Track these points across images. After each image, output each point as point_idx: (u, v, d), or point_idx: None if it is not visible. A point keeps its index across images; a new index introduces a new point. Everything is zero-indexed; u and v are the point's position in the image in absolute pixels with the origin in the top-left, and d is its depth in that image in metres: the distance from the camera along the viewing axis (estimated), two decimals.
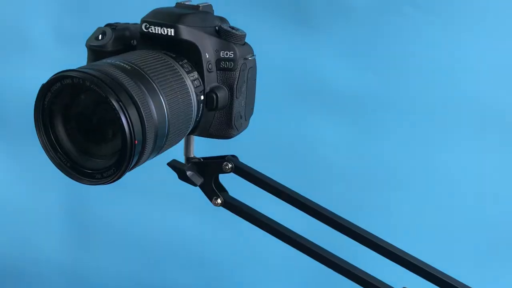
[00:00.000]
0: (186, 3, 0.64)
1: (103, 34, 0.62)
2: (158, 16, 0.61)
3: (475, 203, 1.12)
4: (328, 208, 0.68)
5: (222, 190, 0.68)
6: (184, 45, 0.61)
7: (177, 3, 0.65)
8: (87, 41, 0.63)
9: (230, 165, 0.66)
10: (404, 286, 0.64)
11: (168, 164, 0.66)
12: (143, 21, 0.61)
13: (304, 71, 1.07)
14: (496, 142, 1.10)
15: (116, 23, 0.64)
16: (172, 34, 0.60)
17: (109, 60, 0.56)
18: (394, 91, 1.09)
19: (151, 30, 0.60)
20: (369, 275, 0.67)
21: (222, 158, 0.66)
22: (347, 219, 0.68)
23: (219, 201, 0.66)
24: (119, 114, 0.49)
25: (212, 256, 1.07)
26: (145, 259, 1.15)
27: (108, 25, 0.64)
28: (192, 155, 0.67)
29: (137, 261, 1.15)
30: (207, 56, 0.62)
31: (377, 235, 0.68)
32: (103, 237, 1.15)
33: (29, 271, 1.09)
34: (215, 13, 0.66)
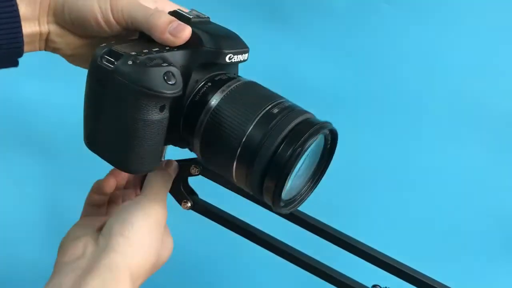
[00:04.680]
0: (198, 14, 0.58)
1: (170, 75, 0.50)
2: (233, 44, 0.56)
3: (455, 198, 1.10)
4: (306, 208, 0.67)
5: (191, 193, 0.66)
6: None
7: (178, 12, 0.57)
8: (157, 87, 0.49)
9: (198, 168, 0.64)
10: (375, 284, 0.63)
11: None
12: (225, 53, 0.55)
13: (280, 68, 1.05)
14: (477, 136, 1.09)
15: None
16: (246, 58, 0.58)
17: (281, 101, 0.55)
18: (371, 87, 1.07)
19: (234, 60, 0.56)
20: (346, 276, 0.65)
21: (190, 161, 0.65)
22: (329, 219, 0.67)
23: (188, 204, 0.65)
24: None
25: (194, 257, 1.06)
26: None
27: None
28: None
29: None
30: None
31: (352, 233, 0.67)
32: None
33: (9, 278, 1.08)
34: None
